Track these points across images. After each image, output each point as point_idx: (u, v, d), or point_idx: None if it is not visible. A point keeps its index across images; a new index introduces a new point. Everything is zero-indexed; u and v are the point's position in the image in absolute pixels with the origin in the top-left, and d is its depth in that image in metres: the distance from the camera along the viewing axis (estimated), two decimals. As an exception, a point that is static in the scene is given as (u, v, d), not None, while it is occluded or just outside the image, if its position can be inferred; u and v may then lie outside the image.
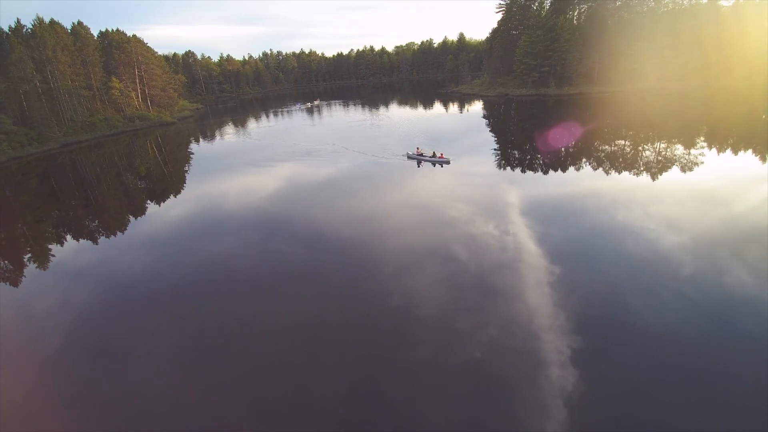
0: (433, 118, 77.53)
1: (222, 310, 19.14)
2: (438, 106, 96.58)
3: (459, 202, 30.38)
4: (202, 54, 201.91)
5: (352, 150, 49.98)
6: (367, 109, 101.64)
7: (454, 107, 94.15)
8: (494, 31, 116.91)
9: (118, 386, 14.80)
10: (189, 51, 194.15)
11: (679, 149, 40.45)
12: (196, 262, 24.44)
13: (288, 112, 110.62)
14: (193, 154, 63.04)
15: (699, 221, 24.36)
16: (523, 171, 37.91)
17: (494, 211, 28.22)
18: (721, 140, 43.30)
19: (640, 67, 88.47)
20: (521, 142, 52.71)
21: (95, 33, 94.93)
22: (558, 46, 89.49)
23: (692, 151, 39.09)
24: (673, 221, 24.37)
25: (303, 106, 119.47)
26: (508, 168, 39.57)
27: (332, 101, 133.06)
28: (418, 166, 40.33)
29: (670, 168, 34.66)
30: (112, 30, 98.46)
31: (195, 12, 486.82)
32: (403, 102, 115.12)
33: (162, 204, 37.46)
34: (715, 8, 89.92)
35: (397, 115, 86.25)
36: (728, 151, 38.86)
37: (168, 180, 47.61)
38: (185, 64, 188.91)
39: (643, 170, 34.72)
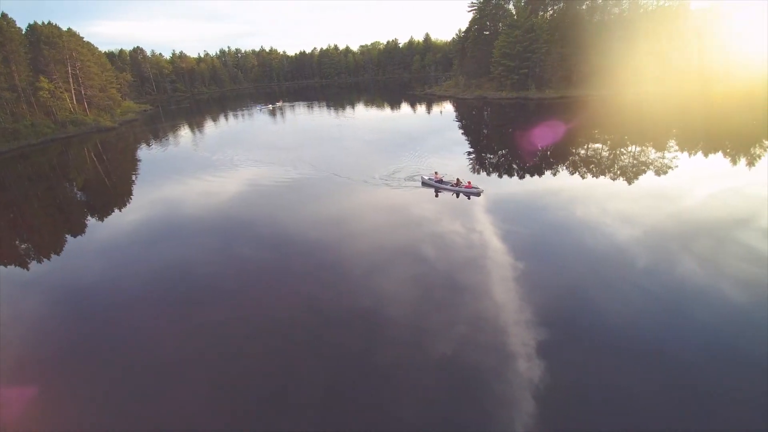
0: (411, 123, 70.52)
1: (185, 318, 18.41)
2: (413, 110, 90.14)
3: (428, 203, 30.73)
4: (152, 50, 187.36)
5: (327, 171, 40.69)
6: (335, 113, 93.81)
7: (430, 111, 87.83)
8: (466, 31, 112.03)
9: (75, 401, 14.15)
10: (137, 47, 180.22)
11: (640, 151, 42.04)
12: (155, 270, 23.30)
13: (249, 114, 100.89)
14: (140, 161, 55.45)
15: (651, 216, 25.71)
16: (499, 174, 37.66)
17: (462, 210, 28.93)
18: (684, 143, 44.58)
19: (621, 71, 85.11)
20: (501, 145, 52.38)
21: (24, 27, 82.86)
22: (537, 48, 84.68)
23: (652, 152, 40.98)
24: (628, 217, 25.84)
25: (264, 108, 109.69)
26: (482, 169, 39.54)
27: (296, 102, 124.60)
28: (436, 196, 31.56)
29: (628, 168, 36.35)
30: (43, 23, 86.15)
31: (149, 7, 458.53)
32: (373, 104, 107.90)
33: (110, 215, 34.45)
34: (687, 11, 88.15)
35: (371, 119, 79.13)
36: (684, 152, 40.28)
37: (112, 190, 43.35)
38: (133, 61, 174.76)
39: (603, 170, 36.38)
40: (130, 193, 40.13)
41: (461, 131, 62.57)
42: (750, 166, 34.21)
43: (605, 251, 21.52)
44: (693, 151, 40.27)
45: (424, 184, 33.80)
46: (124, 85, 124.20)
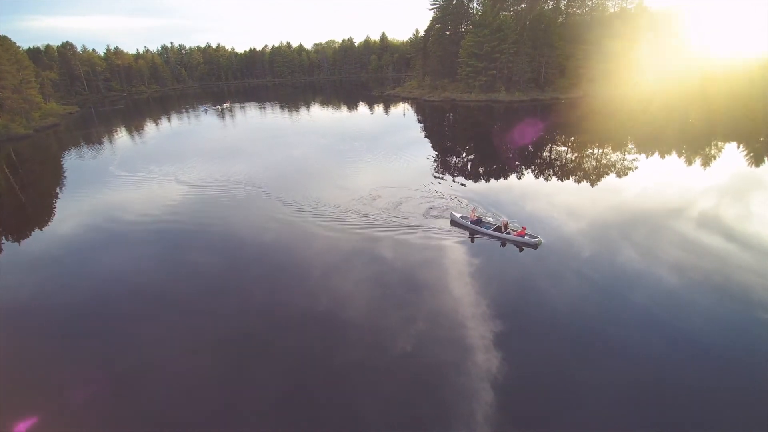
0: (381, 128, 63.63)
1: (130, 331, 17.16)
2: (378, 113, 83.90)
3: (382, 200, 29.71)
4: (83, 46, 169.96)
5: (284, 201, 30.86)
6: (291, 116, 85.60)
7: (398, 114, 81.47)
8: (427, 30, 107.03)
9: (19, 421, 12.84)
10: (67, 42, 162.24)
11: (595, 152, 43.78)
12: (95, 280, 21.77)
13: (192, 117, 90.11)
14: (64, 173, 46.30)
15: (594, 208, 27.95)
16: (465, 176, 36.58)
17: (418, 207, 27.96)
18: (642, 146, 45.52)
19: (589, 73, 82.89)
20: (472, 148, 50.78)
21: None
22: (506, 48, 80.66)
23: (602, 153, 43.18)
24: (573, 209, 27.67)
25: (210, 109, 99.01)
26: (445, 171, 38.24)
27: (246, 103, 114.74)
28: (472, 242, 23.57)
29: (577, 166, 38.76)
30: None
31: (86, 2, 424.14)
32: (333, 106, 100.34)
33: (35, 230, 30.24)
34: (646, 13, 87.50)
35: (334, 124, 71.58)
36: (632, 152, 42.63)
37: (34, 202, 37.91)
38: (62, 58, 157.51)
39: (559, 171, 37.24)
40: (53, 208, 34.74)
41: (437, 137, 57.05)
42: (704, 166, 36.68)
43: (551, 242, 22.61)
44: (650, 153, 41.77)
45: (455, 223, 25.47)
46: (47, 84, 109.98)
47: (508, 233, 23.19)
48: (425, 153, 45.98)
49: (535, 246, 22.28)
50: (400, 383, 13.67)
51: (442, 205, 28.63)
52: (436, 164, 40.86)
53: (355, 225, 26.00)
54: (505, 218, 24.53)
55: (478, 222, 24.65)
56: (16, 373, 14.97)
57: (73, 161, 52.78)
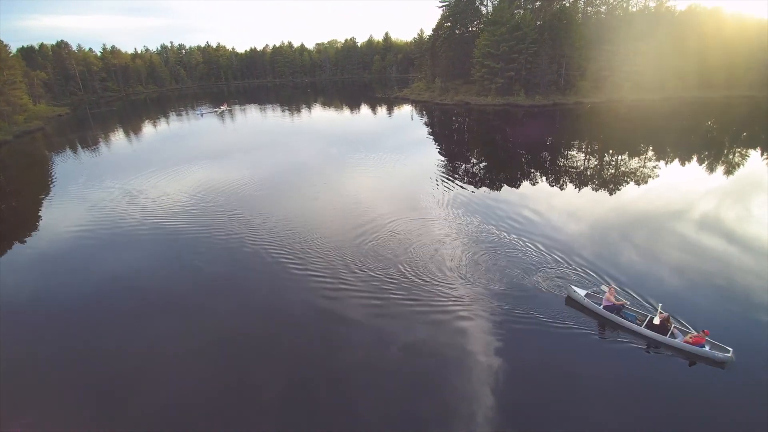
0: (399, 137, 57.79)
1: (130, 332, 16.94)
2: (389, 118, 78.67)
3: (384, 200, 29.77)
4: (79, 45, 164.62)
5: (281, 245, 23.48)
6: (295, 121, 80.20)
7: (410, 118, 76.08)
8: (436, 29, 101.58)
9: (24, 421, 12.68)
10: (61, 41, 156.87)
11: (605, 160, 42.42)
12: (95, 281, 21.03)
13: (187, 120, 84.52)
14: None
15: (593, 210, 28.05)
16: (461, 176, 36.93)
17: (465, 254, 22.15)
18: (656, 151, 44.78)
19: (613, 76, 77.36)
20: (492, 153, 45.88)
21: None
22: (525, 48, 75.18)
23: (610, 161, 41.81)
24: (573, 211, 27.67)
25: (206, 112, 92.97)
26: (455, 175, 37.08)
27: (246, 105, 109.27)
28: (602, 332, 16.09)
29: (582, 171, 37.76)
30: None
31: (86, 0, 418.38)
32: (339, 109, 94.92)
33: (38, 225, 30.01)
34: (670, 13, 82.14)
35: (348, 133, 65.50)
36: (641, 159, 41.04)
37: (29, 205, 36.50)
38: (57, 57, 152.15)
39: (559, 176, 36.62)
40: (40, 205, 34.52)
41: (460, 146, 51.90)
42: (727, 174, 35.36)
43: (551, 244, 22.05)
44: (644, 158, 41.14)
45: (573, 302, 17.42)
46: (38, 85, 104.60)
47: (673, 335, 15.17)
48: (452, 167, 40.72)
49: (721, 363, 13.99)
50: None
51: (498, 248, 21.79)
52: (470, 182, 35.22)
53: (374, 298, 18.18)
54: (664, 311, 15.67)
55: (617, 310, 16.43)
56: (16, 373, 14.95)
57: (39, 175, 47.16)
